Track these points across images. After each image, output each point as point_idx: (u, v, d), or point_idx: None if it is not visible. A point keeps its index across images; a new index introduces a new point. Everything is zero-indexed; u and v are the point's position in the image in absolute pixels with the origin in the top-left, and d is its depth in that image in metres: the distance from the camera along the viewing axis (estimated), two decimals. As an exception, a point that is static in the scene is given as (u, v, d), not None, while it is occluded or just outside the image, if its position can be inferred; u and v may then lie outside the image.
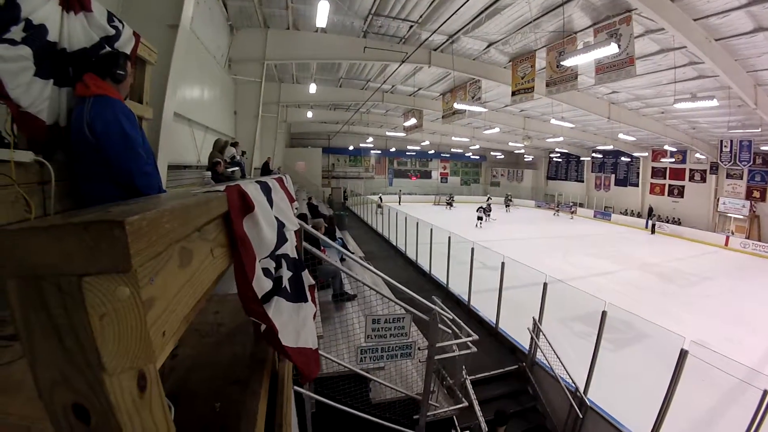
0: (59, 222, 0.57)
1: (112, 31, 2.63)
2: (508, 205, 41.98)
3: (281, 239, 1.51)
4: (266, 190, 1.46)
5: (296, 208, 2.26)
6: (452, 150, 48.73)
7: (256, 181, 1.41)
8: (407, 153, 48.85)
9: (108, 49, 2.52)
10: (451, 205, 42.30)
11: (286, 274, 1.60)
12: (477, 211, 30.40)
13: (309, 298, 1.90)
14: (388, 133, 34.66)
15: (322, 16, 9.91)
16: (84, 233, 0.55)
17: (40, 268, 0.55)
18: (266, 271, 1.37)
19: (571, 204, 40.54)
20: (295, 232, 1.98)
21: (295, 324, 1.61)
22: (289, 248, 1.71)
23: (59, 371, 0.58)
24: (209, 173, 6.93)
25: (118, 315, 0.58)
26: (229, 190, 1.10)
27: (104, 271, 0.56)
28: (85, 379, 0.58)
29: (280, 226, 1.53)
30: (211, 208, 0.97)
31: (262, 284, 1.28)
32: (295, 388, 3.70)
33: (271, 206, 1.46)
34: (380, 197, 34.77)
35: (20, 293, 0.57)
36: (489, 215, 31.80)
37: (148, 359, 0.64)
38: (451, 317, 5.59)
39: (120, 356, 0.59)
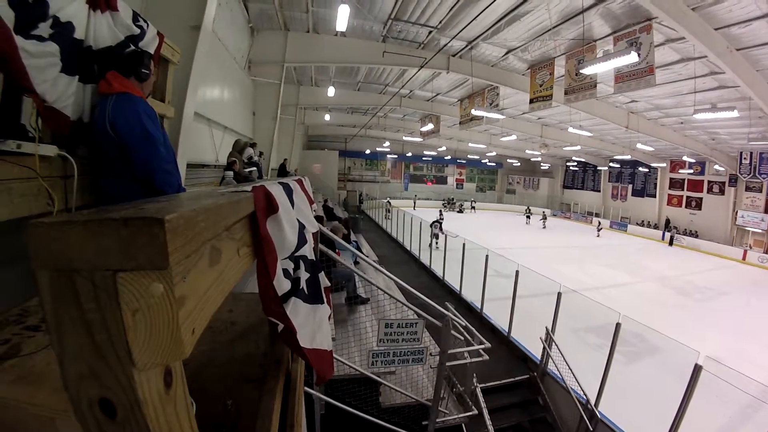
0: (97, 217, 0.57)
1: (137, 31, 2.67)
2: (531, 216, 39.37)
3: (301, 240, 1.51)
4: (288, 191, 1.46)
5: (314, 210, 2.27)
6: (469, 156, 48.76)
7: (279, 183, 1.41)
8: (423, 158, 48.77)
9: (132, 47, 2.56)
10: (461, 212, 42.59)
11: (303, 275, 1.60)
12: (431, 226, 21.29)
13: (325, 299, 1.90)
14: (404, 138, 34.75)
15: (342, 20, 9.98)
16: (123, 229, 0.55)
17: (74, 262, 0.56)
18: (285, 272, 1.37)
19: (599, 223, 36.88)
20: (313, 233, 1.99)
21: (311, 325, 1.61)
22: (308, 250, 1.71)
23: (87, 365, 0.58)
24: (231, 173, 7.00)
25: (151, 311, 0.58)
26: (256, 190, 1.11)
27: (141, 267, 0.56)
28: (114, 373, 0.58)
29: (301, 227, 1.53)
30: (240, 208, 0.97)
31: (281, 284, 1.29)
32: (305, 389, 3.71)
33: (293, 207, 1.47)
34: (389, 201, 34.31)
35: (52, 286, 0.57)
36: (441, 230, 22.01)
37: (178, 356, 0.64)
38: (463, 324, 5.56)
39: (150, 352, 0.59)
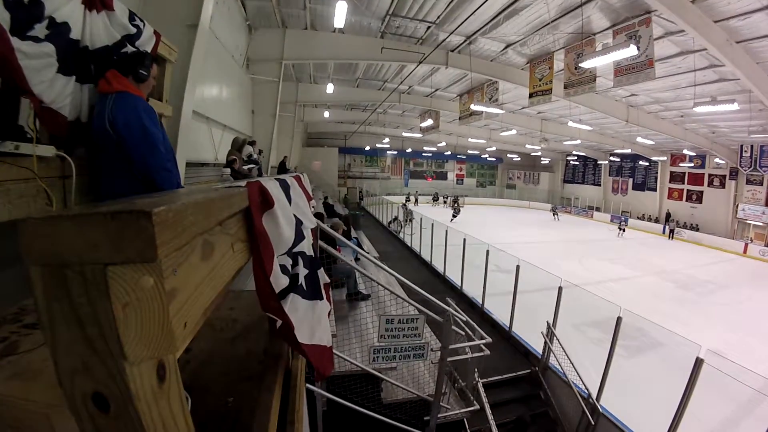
0: (85, 211, 0.57)
1: (134, 30, 2.67)
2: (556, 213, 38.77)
3: (299, 236, 1.51)
4: (285, 187, 1.46)
5: (313, 207, 2.27)
6: (469, 151, 48.61)
7: (276, 179, 1.42)
8: (423, 154, 48.77)
9: (129, 47, 2.55)
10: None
11: (302, 271, 1.60)
12: (391, 223, 24.17)
13: (324, 296, 1.90)
14: (404, 134, 34.60)
15: (339, 17, 9.96)
16: (110, 223, 0.56)
17: (64, 256, 0.56)
18: (283, 268, 1.37)
19: (621, 218, 34.46)
20: (312, 230, 1.99)
21: (310, 321, 1.61)
22: (306, 246, 1.71)
23: (80, 359, 0.59)
24: (228, 170, 7.01)
25: (141, 304, 0.58)
26: (250, 185, 1.11)
27: (129, 260, 0.57)
28: (106, 367, 0.58)
29: (298, 223, 1.53)
30: (233, 203, 0.97)
31: (279, 281, 1.29)
32: (307, 385, 3.72)
33: (290, 203, 1.47)
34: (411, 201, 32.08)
35: (44, 281, 0.57)
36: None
37: (169, 349, 0.64)
38: (464, 319, 5.57)
39: (141, 345, 0.59)
